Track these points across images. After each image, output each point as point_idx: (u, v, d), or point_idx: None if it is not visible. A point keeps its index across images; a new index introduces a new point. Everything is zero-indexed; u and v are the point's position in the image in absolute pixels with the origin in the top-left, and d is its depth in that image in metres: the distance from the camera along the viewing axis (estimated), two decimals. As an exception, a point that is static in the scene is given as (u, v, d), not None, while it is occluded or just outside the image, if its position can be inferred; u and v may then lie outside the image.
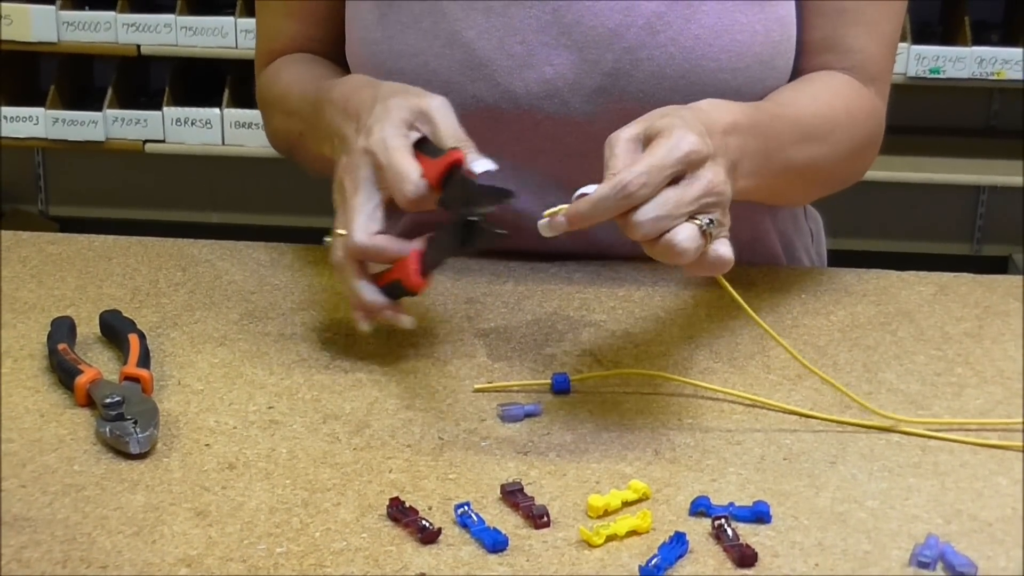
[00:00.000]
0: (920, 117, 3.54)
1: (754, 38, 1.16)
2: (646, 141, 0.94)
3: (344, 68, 1.28)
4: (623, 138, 0.94)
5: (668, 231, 0.90)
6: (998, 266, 3.73)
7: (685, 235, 0.90)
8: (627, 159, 0.93)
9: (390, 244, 1.00)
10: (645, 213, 0.90)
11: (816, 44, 1.21)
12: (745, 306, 0.97)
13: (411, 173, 0.98)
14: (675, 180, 0.91)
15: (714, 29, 1.15)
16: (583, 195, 0.91)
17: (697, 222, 0.91)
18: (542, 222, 0.94)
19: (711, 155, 0.94)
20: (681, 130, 0.93)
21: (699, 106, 1.00)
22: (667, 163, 0.91)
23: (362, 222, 1.00)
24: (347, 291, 1.02)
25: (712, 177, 0.93)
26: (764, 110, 1.10)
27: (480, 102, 1.17)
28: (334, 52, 1.28)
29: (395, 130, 1.01)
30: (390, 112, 1.02)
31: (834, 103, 1.18)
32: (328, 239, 1.04)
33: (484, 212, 0.95)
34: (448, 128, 1.01)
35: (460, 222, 0.96)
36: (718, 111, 1.01)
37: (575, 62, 1.16)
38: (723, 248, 0.93)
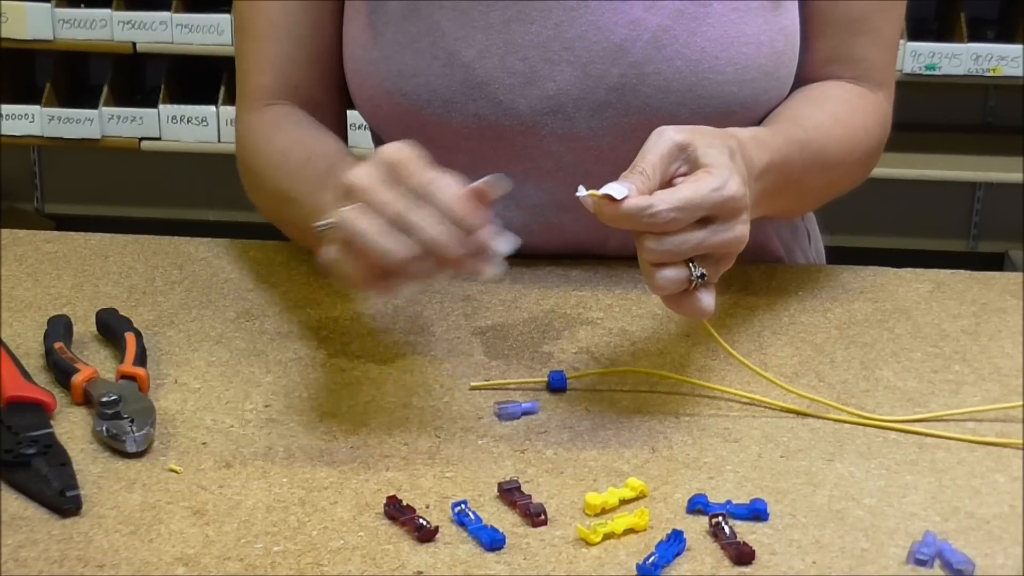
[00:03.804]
0: (916, 114, 3.54)
1: (760, 50, 1.15)
2: (690, 159, 0.92)
3: (338, 120, 1.25)
4: (670, 139, 0.92)
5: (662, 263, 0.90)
6: (994, 263, 3.74)
7: (669, 275, 0.90)
8: (664, 163, 0.91)
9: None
10: (660, 244, 0.89)
11: (824, 55, 1.21)
12: (727, 347, 0.97)
13: (425, 170, 0.88)
14: (704, 219, 0.90)
15: (720, 41, 1.14)
16: (607, 195, 0.89)
17: (690, 269, 0.90)
18: (581, 192, 0.91)
19: (747, 207, 0.93)
20: (728, 172, 0.91)
21: (742, 140, 0.97)
22: (704, 204, 0.90)
23: (394, 195, 0.88)
24: (385, 249, 0.87)
25: (740, 233, 0.92)
26: (794, 141, 1.09)
27: (482, 120, 1.16)
28: (320, 84, 1.23)
29: (407, 144, 0.91)
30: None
31: (853, 122, 1.18)
32: (325, 225, 0.91)
33: None
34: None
35: None
36: (757, 150, 0.99)
37: (579, 77, 1.15)
38: (707, 298, 0.92)
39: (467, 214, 0.88)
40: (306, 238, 1.13)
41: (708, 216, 0.90)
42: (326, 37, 1.22)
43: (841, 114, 1.18)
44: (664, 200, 0.89)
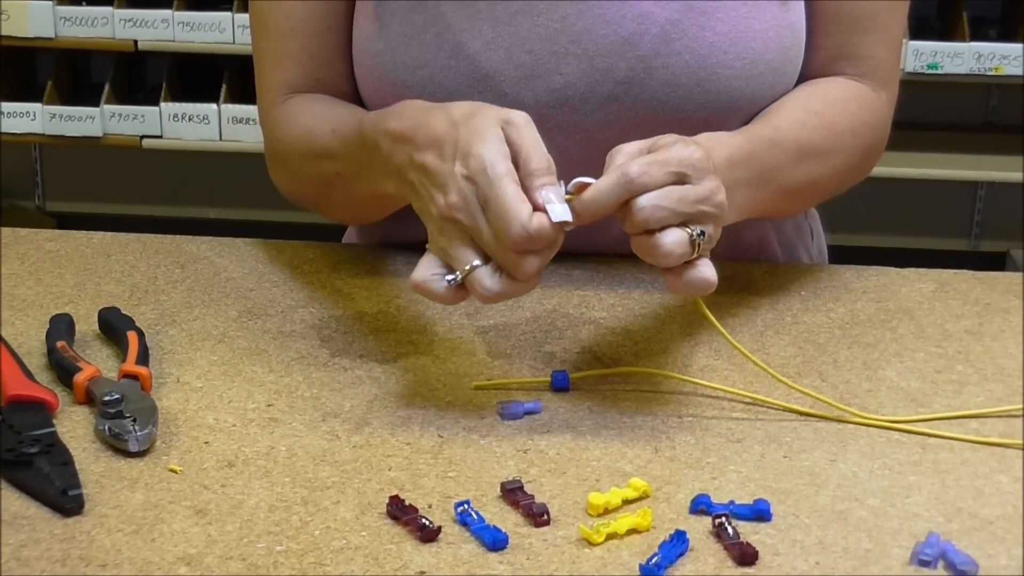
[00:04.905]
0: (918, 113, 3.54)
1: (767, 45, 1.15)
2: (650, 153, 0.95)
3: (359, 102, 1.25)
4: (625, 151, 0.95)
5: (659, 231, 0.91)
6: (996, 262, 3.74)
7: (673, 238, 0.91)
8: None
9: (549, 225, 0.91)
10: (647, 199, 0.91)
11: (829, 52, 1.21)
12: (726, 333, 0.97)
13: (519, 212, 0.89)
14: (678, 182, 0.93)
15: (728, 36, 1.14)
16: (580, 183, 0.92)
17: (688, 230, 0.92)
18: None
19: (713, 171, 0.95)
20: (686, 141, 0.95)
21: (696, 140, 0.99)
22: (671, 160, 0.92)
23: (519, 211, 0.90)
24: (508, 297, 0.94)
25: (715, 187, 0.94)
26: (761, 138, 1.10)
27: None
28: (344, 75, 1.23)
29: (496, 150, 0.92)
30: (483, 131, 0.93)
31: (839, 122, 1.18)
32: (457, 276, 0.93)
33: None
34: (535, 149, 0.93)
35: None
36: (715, 146, 1.01)
37: (585, 71, 1.15)
38: (707, 269, 0.93)
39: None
40: (359, 184, 1.12)
41: (679, 176, 0.93)
42: (344, 30, 1.22)
43: (827, 113, 1.18)
44: (634, 161, 0.92)
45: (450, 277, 0.94)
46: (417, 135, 0.97)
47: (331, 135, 1.14)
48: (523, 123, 0.95)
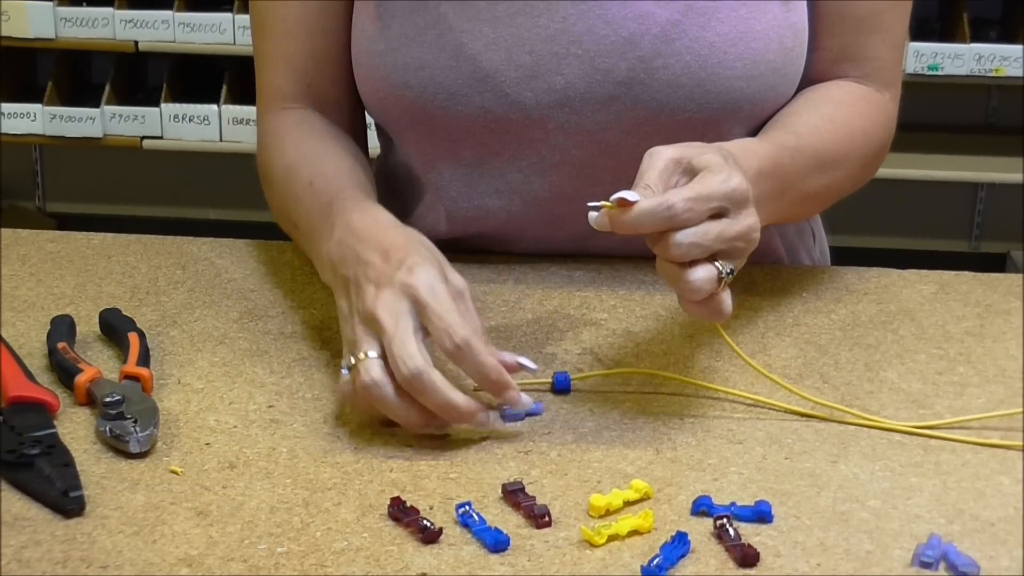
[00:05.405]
0: (918, 114, 3.54)
1: (768, 46, 1.15)
2: (688, 170, 0.94)
3: (354, 117, 1.26)
4: (664, 155, 0.94)
5: (690, 265, 0.91)
6: (996, 263, 3.74)
7: (703, 275, 0.92)
8: (664, 177, 0.93)
9: (445, 385, 0.92)
10: (685, 236, 0.91)
11: (833, 53, 1.21)
12: (740, 351, 0.97)
13: (460, 324, 0.92)
14: (717, 215, 0.92)
15: (729, 37, 1.14)
16: (621, 198, 0.91)
17: (718, 266, 0.92)
18: (592, 215, 0.93)
19: (752, 200, 0.95)
20: (730, 169, 0.94)
21: (730, 149, 0.99)
22: (715, 195, 0.92)
23: (414, 350, 0.91)
24: (391, 412, 0.93)
25: (752, 222, 0.94)
26: (785, 147, 1.10)
27: (488, 113, 1.16)
28: (336, 81, 1.23)
29: (438, 275, 0.95)
30: (430, 258, 0.96)
31: (851, 125, 1.18)
32: (346, 371, 0.94)
33: None
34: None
35: None
36: (746, 157, 1.01)
37: (586, 71, 1.15)
38: (726, 302, 0.94)
39: (498, 379, 0.93)
40: (310, 258, 1.14)
41: (719, 210, 0.92)
42: (339, 33, 1.22)
43: (839, 117, 1.18)
44: (678, 194, 0.91)
45: (345, 371, 0.94)
46: (373, 237, 1.00)
47: (308, 188, 1.14)
48: (463, 291, 0.96)
